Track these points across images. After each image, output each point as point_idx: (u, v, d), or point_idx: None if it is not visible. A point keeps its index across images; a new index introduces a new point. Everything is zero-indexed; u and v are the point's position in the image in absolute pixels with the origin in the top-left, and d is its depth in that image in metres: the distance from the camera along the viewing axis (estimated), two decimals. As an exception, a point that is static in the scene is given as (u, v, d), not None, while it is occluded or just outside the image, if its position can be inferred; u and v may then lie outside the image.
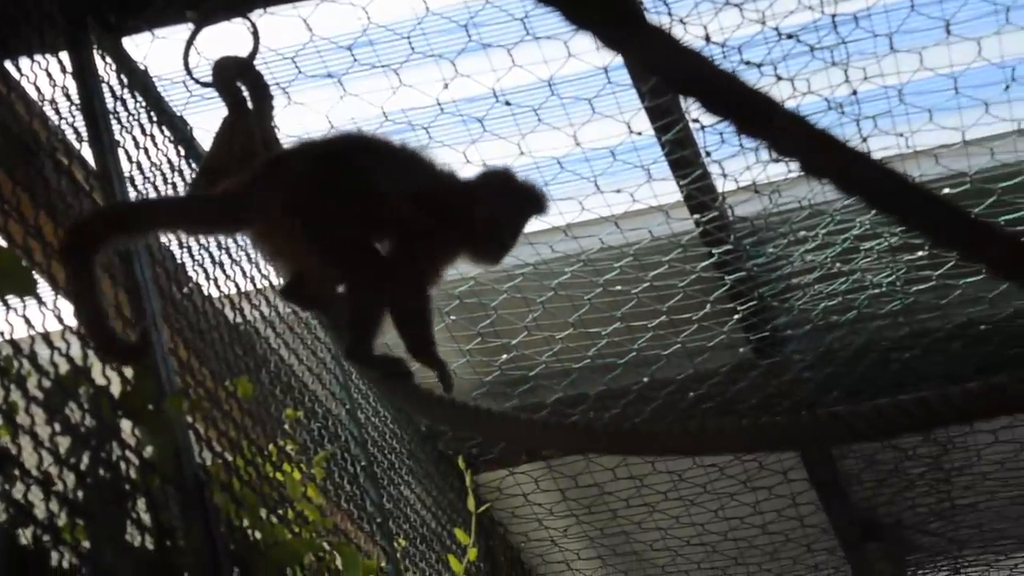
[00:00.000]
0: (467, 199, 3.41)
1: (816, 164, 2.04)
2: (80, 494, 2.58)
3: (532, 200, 3.51)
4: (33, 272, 2.70)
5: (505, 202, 3.44)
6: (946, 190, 4.97)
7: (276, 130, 3.67)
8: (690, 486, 6.55)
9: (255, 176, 3.24)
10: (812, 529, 7.09)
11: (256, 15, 3.77)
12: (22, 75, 3.34)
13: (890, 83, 4.71)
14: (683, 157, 5.06)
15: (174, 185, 3.87)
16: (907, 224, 2.12)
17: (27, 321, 2.77)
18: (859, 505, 7.03)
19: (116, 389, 2.92)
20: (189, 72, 3.70)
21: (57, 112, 3.45)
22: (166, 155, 3.93)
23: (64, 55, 3.56)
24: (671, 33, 1.99)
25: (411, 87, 4.78)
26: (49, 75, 3.42)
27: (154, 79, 4.05)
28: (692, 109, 4.82)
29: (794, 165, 4.83)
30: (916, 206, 2.01)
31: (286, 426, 4.04)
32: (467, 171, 3.59)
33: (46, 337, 2.80)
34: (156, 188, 3.75)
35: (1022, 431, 6.35)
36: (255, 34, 3.70)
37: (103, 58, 3.75)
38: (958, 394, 2.45)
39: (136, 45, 4.00)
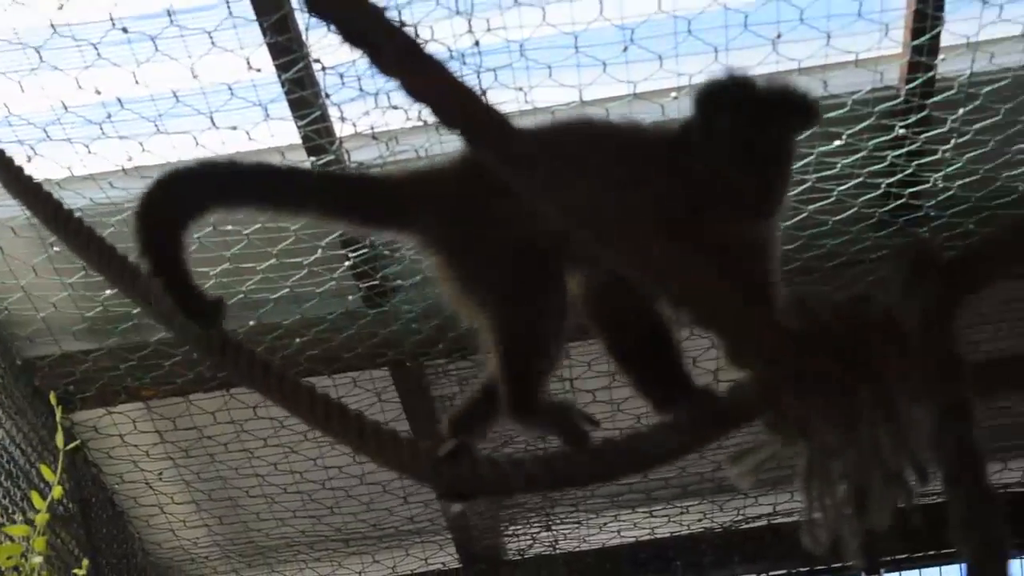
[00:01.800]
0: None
1: (448, 113, 2.02)
2: None
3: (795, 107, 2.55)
4: None
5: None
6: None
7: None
8: (291, 433, 6.47)
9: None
10: (409, 481, 7.10)
11: None
12: None
13: (513, 37, 4.73)
14: (303, 98, 4.98)
15: None
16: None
17: None
18: (458, 461, 7.08)
19: None
20: None
21: None
22: None
23: None
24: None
25: (23, 4, 4.54)
26: None
27: None
28: (315, 48, 4.75)
29: (414, 113, 4.85)
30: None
31: None
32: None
33: None
34: None
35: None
36: None
37: None
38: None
39: None
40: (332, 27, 2.02)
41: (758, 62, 4.87)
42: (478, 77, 4.79)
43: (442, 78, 1.99)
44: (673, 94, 5.04)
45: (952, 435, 1.95)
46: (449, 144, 5.04)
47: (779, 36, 4.83)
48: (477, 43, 4.68)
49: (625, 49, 4.82)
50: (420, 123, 4.95)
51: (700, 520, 7.78)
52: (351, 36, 2.01)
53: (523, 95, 4.89)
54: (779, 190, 2.50)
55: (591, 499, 7.62)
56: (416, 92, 2.01)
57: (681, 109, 5.02)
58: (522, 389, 2.52)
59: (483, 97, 2.08)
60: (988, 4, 4.92)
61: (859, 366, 2.07)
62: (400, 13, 4.60)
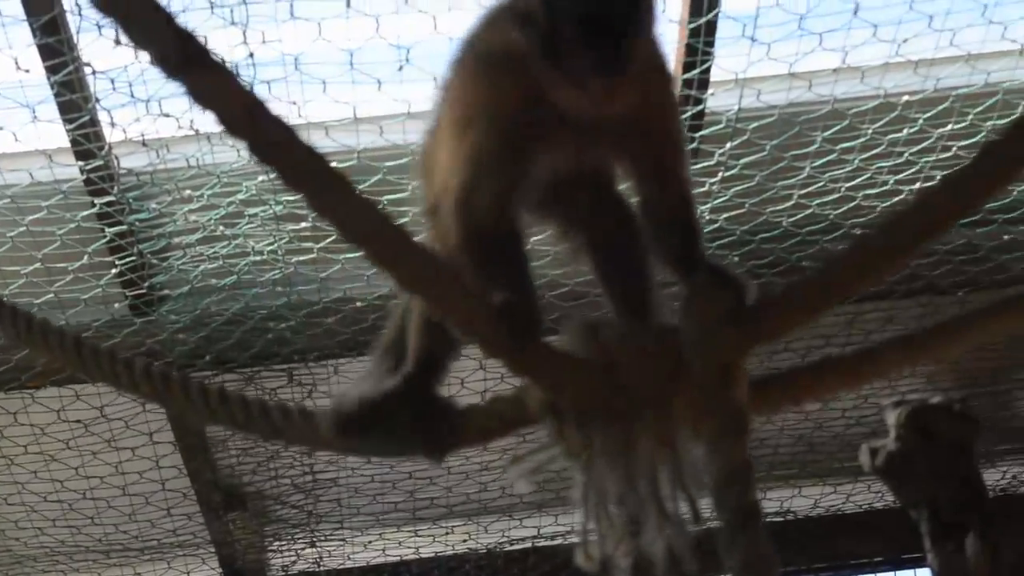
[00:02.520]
0: None
1: (235, 122, 2.02)
2: None
3: None
4: None
5: None
6: (333, 164, 5.05)
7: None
8: (52, 441, 6.35)
9: None
10: (174, 493, 7.03)
11: None
12: None
13: (288, 50, 4.74)
14: (72, 101, 4.91)
15: None
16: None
17: None
18: (223, 472, 7.04)
19: None
20: None
21: None
22: None
23: None
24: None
25: None
26: None
27: None
28: (86, 52, 4.70)
29: (186, 121, 4.83)
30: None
31: None
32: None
33: None
34: None
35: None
36: None
37: None
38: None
39: None
40: (119, 28, 2.01)
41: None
42: (252, 89, 4.77)
43: (230, 86, 1.99)
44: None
45: (731, 491, 1.99)
46: (221, 154, 5.04)
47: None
48: (252, 55, 4.67)
49: (400, 68, 4.86)
50: (192, 132, 4.94)
51: (465, 541, 7.84)
52: (138, 38, 2.01)
53: (297, 109, 4.89)
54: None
55: (357, 516, 7.63)
56: (203, 98, 2.01)
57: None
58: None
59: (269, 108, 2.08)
60: (756, 42, 5.08)
61: (642, 401, 2.11)
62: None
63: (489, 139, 2.31)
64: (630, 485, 2.11)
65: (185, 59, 1.96)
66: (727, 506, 2.02)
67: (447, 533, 7.80)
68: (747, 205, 5.56)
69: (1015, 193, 5.51)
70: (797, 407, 2.44)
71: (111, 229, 5.36)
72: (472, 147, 2.33)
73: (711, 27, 5.02)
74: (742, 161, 5.43)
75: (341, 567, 7.87)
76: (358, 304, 5.90)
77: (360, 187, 5.23)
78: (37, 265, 5.45)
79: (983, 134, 5.40)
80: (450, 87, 2.52)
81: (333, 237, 5.45)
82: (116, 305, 5.76)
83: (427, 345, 2.48)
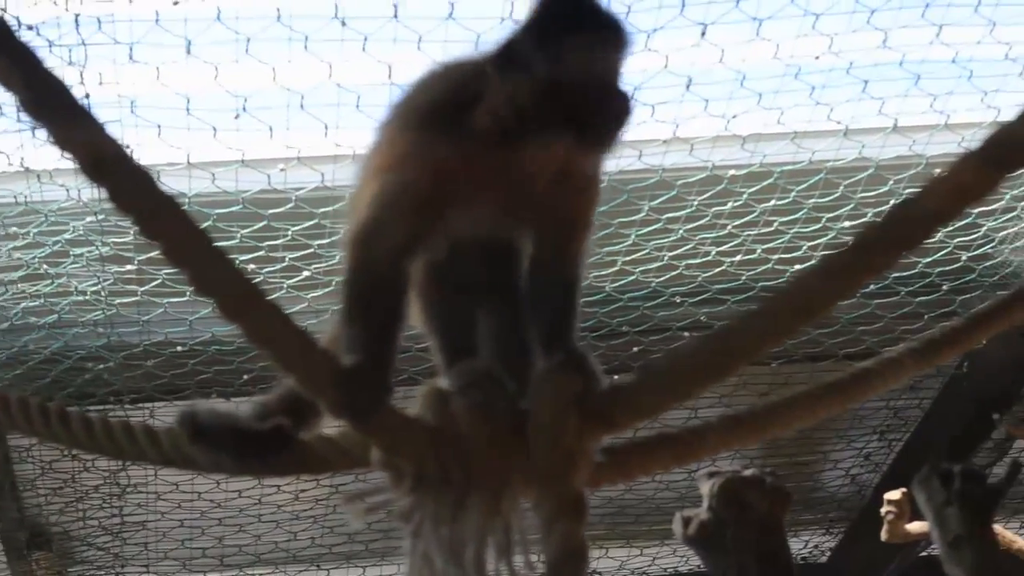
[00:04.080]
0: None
1: (94, 166, 1.99)
2: None
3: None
4: None
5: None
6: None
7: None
8: None
9: None
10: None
11: None
12: None
13: (124, 92, 4.69)
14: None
15: None
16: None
17: None
18: (30, 512, 6.89)
19: None
20: None
21: None
22: None
23: None
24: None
25: None
26: None
27: None
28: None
29: (16, 159, 4.74)
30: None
31: None
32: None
33: None
34: None
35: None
36: None
37: None
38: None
39: None
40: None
41: (366, 141, 4.97)
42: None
43: (92, 129, 1.96)
44: (280, 166, 5.10)
45: (563, 573, 2.01)
46: (50, 193, 4.96)
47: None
48: (88, 95, 4.61)
49: (237, 116, 4.84)
50: (21, 169, 4.86)
51: (273, 588, 7.79)
52: (5, 81, 1.97)
53: (130, 152, 4.83)
54: (618, 118, 2.38)
55: (163, 561, 7.53)
56: (61, 140, 1.98)
57: (289, 180, 5.11)
58: None
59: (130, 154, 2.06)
60: (638, 104, 5.16)
61: (480, 475, 2.12)
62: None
63: (404, 188, 2.32)
64: (455, 555, 2.12)
65: (49, 100, 1.93)
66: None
67: (255, 582, 7.74)
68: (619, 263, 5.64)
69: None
70: (628, 480, 2.47)
71: (-70, 265, 5.24)
72: (386, 190, 2.34)
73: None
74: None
75: (146, 611, 7.74)
76: (179, 348, 5.85)
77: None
78: None
79: (804, 211, 5.57)
80: (384, 131, 2.53)
81: (158, 280, 5.40)
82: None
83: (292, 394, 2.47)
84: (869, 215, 5.60)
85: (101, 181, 1.99)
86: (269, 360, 2.23)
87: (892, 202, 5.57)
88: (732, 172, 5.48)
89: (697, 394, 2.05)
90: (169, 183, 5.04)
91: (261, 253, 5.28)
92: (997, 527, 5.51)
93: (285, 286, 5.42)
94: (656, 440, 2.45)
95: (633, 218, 5.47)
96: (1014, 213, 5.83)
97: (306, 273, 5.41)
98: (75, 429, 2.45)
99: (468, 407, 2.15)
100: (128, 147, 4.67)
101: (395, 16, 4.60)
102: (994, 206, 5.63)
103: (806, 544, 8.01)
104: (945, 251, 5.77)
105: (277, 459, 2.37)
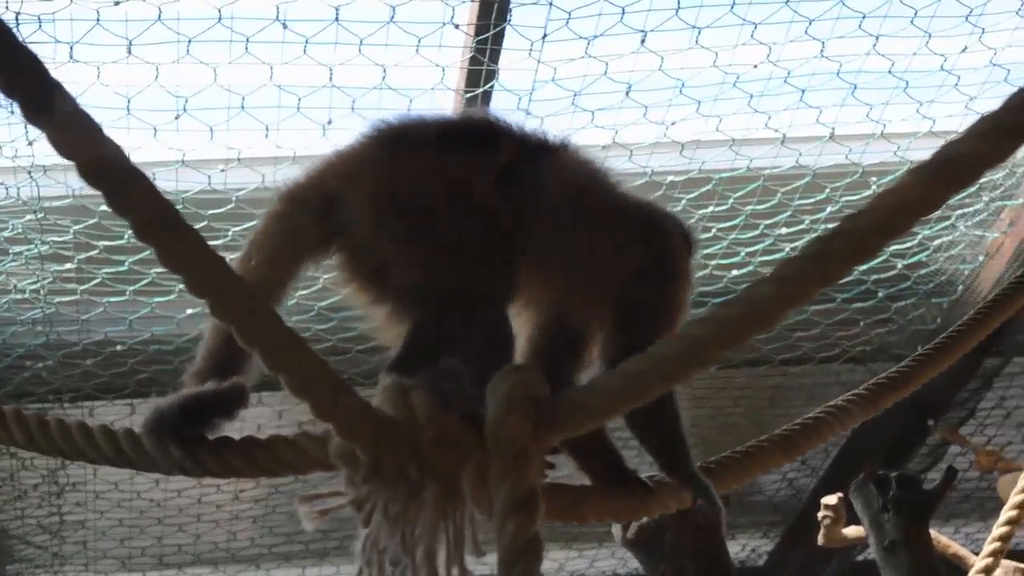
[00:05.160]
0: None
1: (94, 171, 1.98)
2: None
3: None
4: None
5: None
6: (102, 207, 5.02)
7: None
8: None
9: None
10: None
11: None
12: None
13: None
14: None
15: None
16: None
17: None
18: (-34, 511, 6.88)
19: None
20: None
21: None
22: None
23: None
24: None
25: None
26: None
27: None
28: None
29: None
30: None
31: None
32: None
33: None
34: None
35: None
36: None
37: None
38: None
39: None
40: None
41: (306, 143, 5.01)
42: (25, 129, 4.72)
43: (94, 134, 1.96)
44: (221, 167, 5.12)
45: (516, 569, 2.03)
46: None
47: (329, 122, 4.98)
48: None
49: (177, 117, 4.85)
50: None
51: (212, 589, 7.79)
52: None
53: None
54: None
55: (103, 560, 7.51)
56: (65, 148, 1.97)
57: (229, 181, 5.12)
58: None
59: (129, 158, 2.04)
60: (530, 115, 5.19)
61: (434, 469, 2.14)
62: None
63: None
64: (406, 549, 2.14)
65: (56, 107, 1.93)
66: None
67: (193, 581, 7.73)
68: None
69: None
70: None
71: None
72: None
73: (487, 98, 5.12)
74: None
75: (83, 610, 7.72)
76: (118, 347, 5.84)
77: (129, 232, 5.24)
78: None
79: (742, 217, 5.62)
80: None
81: (97, 280, 5.40)
82: None
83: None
84: (806, 222, 5.67)
85: (97, 185, 1.97)
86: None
87: (829, 210, 5.64)
88: (671, 178, 5.53)
89: (647, 398, 2.08)
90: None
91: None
92: (933, 532, 5.57)
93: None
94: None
95: (573, 223, 5.49)
96: (949, 222, 5.91)
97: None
98: (11, 426, 2.44)
99: (427, 400, 2.17)
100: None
101: (336, 19, 4.62)
102: (929, 215, 5.69)
103: (744, 547, 8.08)
104: (881, 259, 5.82)
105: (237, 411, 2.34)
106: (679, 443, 2.57)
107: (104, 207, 5.05)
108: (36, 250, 5.28)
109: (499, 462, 2.10)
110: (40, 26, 4.47)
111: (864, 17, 4.99)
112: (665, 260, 2.59)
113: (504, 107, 5.16)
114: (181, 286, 5.33)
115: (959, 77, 5.34)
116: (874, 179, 5.57)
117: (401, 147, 2.50)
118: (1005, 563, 5.57)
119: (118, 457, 2.38)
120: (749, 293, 1.96)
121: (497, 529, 2.06)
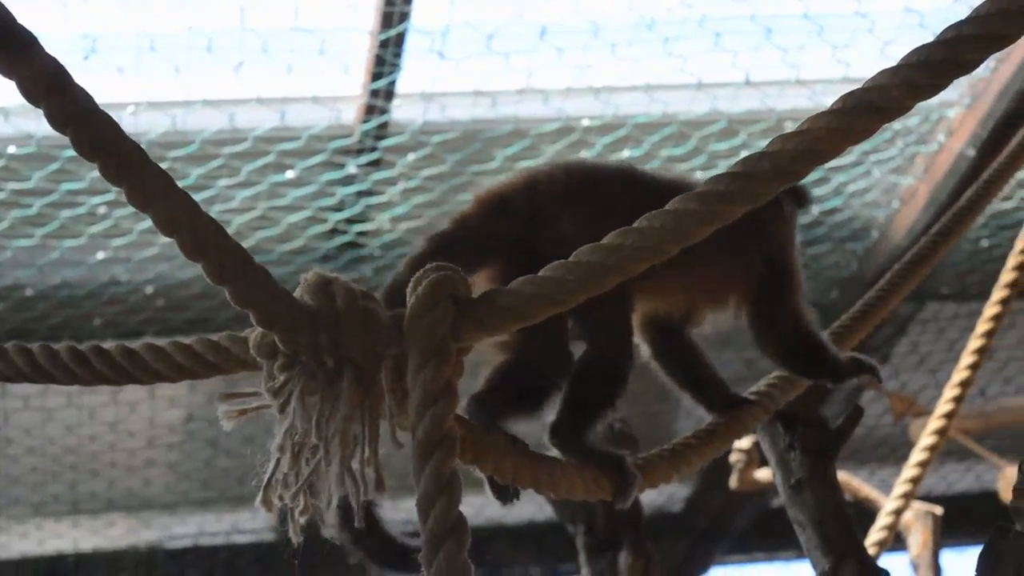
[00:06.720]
0: None
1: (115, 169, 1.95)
2: None
3: None
4: None
5: None
6: (12, 150, 4.97)
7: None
8: None
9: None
10: None
11: None
12: None
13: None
14: None
15: None
16: None
17: None
18: None
19: None
20: None
21: None
22: None
23: None
24: None
25: None
26: None
27: None
28: None
29: None
30: None
31: None
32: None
33: None
34: None
35: (52, 400, 6.42)
36: None
37: None
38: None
39: None
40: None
41: (224, 87, 4.96)
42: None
43: (116, 132, 1.94)
44: (131, 108, 5.05)
45: (430, 462, 2.03)
46: None
47: (241, 64, 4.92)
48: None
49: (86, 58, 4.78)
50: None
51: (125, 535, 7.74)
52: (27, 89, 1.93)
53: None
54: None
55: (15, 506, 7.45)
56: (86, 148, 1.94)
57: (139, 123, 5.05)
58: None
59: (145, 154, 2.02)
60: (444, 58, 5.17)
61: (353, 362, 2.14)
62: None
63: None
64: (319, 427, 2.14)
65: (77, 110, 1.91)
66: (426, 491, 2.05)
67: (107, 527, 7.67)
68: (425, 216, 5.65)
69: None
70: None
71: None
72: None
73: (400, 40, 5.08)
74: (424, 173, 5.52)
75: (-5, 558, 7.67)
76: (28, 292, 5.77)
77: (38, 174, 5.17)
78: None
79: (658, 162, 5.62)
80: None
81: (6, 223, 5.32)
82: None
83: None
84: (722, 167, 5.66)
85: (116, 182, 1.95)
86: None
87: (744, 155, 5.64)
88: (586, 122, 5.51)
89: (572, 302, 2.09)
90: (17, 123, 4.97)
91: (111, 196, 5.21)
92: (845, 475, 5.63)
93: (135, 230, 5.37)
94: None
95: (487, 167, 5.49)
96: (863, 167, 5.94)
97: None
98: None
99: (347, 289, 2.17)
100: None
101: (247, -41, 4.57)
102: (844, 160, 5.72)
103: (660, 492, 8.13)
104: (795, 204, 5.84)
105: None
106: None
107: (12, 148, 5.01)
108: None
109: (416, 355, 2.10)
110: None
111: (779, -40, 5.01)
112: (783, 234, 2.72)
113: (418, 49, 5.14)
114: (91, 230, 5.34)
115: (874, 22, 5.36)
116: (789, 124, 5.58)
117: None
118: (916, 505, 5.64)
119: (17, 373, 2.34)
120: (675, 206, 1.98)
121: (412, 423, 2.08)
